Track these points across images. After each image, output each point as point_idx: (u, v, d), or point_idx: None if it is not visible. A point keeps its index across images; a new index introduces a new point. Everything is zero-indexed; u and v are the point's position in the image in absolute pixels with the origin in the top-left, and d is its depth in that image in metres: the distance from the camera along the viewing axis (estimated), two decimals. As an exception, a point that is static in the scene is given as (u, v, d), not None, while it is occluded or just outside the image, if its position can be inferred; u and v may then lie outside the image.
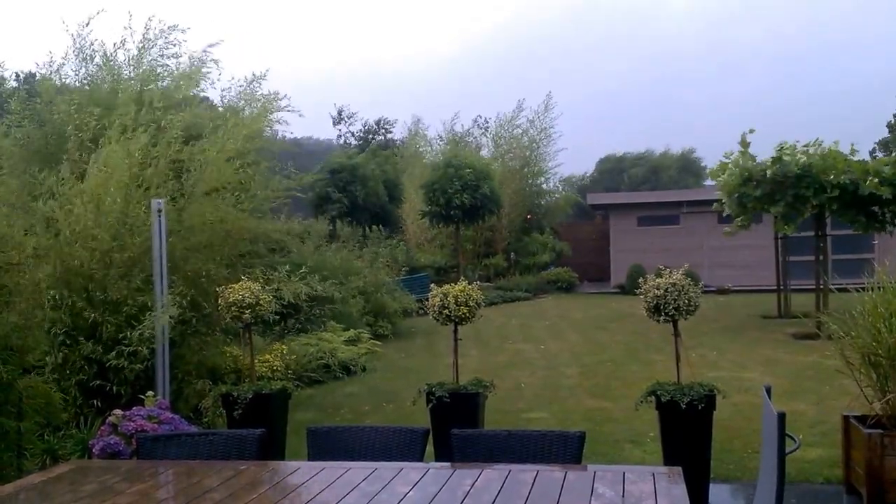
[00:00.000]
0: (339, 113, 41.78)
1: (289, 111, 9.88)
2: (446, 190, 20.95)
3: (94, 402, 6.75)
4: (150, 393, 6.11)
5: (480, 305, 6.41)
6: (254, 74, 9.91)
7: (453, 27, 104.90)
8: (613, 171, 45.50)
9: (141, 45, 9.58)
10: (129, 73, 9.68)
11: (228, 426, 6.54)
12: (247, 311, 6.54)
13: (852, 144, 13.67)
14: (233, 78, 16.02)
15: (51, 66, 9.77)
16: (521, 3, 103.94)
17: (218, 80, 13.97)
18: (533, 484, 3.09)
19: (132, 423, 5.36)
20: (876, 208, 13.25)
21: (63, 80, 9.85)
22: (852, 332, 5.41)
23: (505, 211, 24.95)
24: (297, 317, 11.92)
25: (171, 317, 6.64)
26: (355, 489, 3.11)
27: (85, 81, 9.80)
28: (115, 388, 6.79)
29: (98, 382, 6.82)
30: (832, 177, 12.83)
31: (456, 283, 6.42)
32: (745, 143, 14.02)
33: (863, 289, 5.67)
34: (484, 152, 28.37)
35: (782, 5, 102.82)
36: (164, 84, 9.61)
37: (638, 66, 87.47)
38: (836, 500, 5.64)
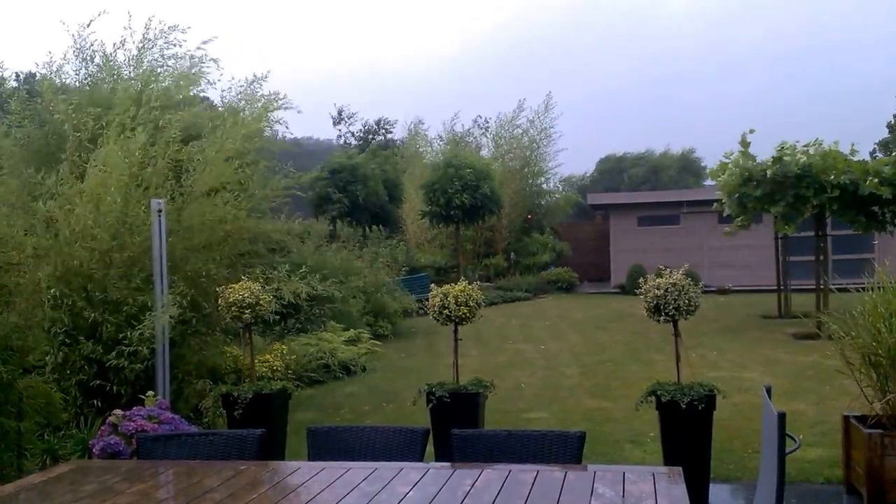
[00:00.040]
0: (339, 113, 41.85)
1: (286, 108, 9.90)
2: (446, 190, 20.95)
3: (95, 402, 6.76)
4: (150, 393, 6.11)
5: (480, 305, 6.41)
6: (255, 76, 9.93)
7: (453, 27, 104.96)
8: (613, 171, 45.53)
9: (141, 46, 9.58)
10: (129, 73, 9.68)
11: (229, 426, 6.54)
12: (247, 311, 6.55)
13: (852, 145, 13.70)
14: (233, 78, 16.03)
15: (50, 66, 9.78)
16: (521, 3, 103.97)
17: (219, 80, 13.95)
18: (533, 484, 3.09)
19: (132, 423, 5.36)
20: (876, 208, 13.25)
21: (63, 81, 9.86)
22: (852, 332, 5.41)
23: (505, 211, 24.95)
24: (297, 316, 11.92)
25: (171, 316, 6.64)
26: (355, 489, 3.11)
27: (85, 82, 9.80)
28: (115, 387, 6.79)
29: (98, 382, 6.82)
30: (832, 177, 12.83)
31: (456, 284, 6.42)
32: (745, 143, 14.02)
33: (863, 289, 5.67)
34: (484, 152, 28.39)
35: (782, 5, 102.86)
36: (165, 84, 9.60)
37: (638, 66, 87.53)
38: (837, 500, 5.64)
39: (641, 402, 5.54)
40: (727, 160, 14.29)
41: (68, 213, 6.98)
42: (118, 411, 5.55)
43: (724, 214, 14.90)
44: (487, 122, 32.32)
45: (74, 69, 9.82)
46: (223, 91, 10.83)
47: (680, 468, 3.26)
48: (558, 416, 8.32)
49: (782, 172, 13.09)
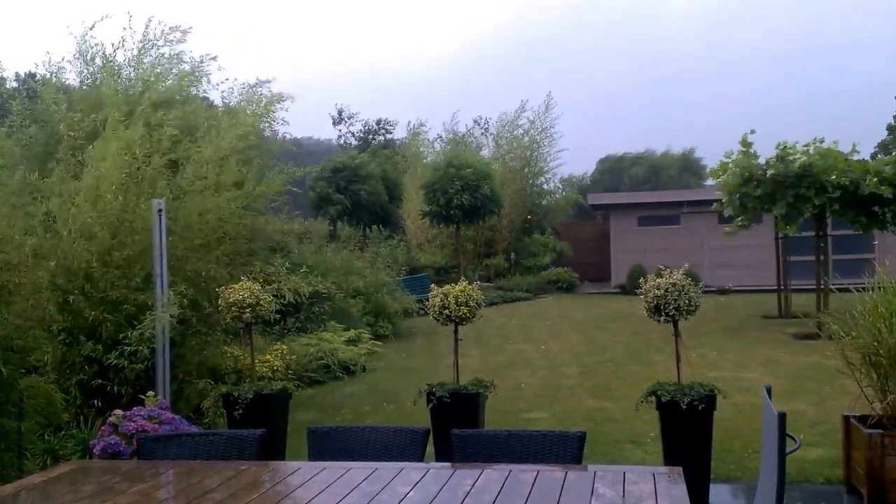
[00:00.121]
0: (340, 113, 41.82)
1: (283, 100, 9.94)
2: (447, 190, 20.95)
3: (95, 402, 6.76)
4: (150, 393, 6.11)
5: (481, 305, 6.41)
6: (258, 79, 10.00)
7: (453, 27, 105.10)
8: (614, 171, 45.56)
9: (141, 46, 9.59)
10: (129, 73, 9.69)
11: (229, 426, 6.53)
12: (247, 311, 6.55)
13: (853, 145, 13.71)
14: (235, 79, 16.03)
15: (50, 66, 9.79)
16: (521, 3, 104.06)
17: (223, 81, 13.98)
18: (533, 484, 3.09)
19: (133, 424, 5.36)
20: (877, 208, 13.25)
21: (63, 81, 9.86)
22: (853, 332, 5.40)
23: (505, 211, 24.95)
24: (298, 315, 11.93)
25: (171, 316, 6.64)
26: (356, 489, 3.11)
27: (86, 83, 9.81)
28: (115, 387, 6.79)
29: (98, 382, 6.82)
30: (833, 177, 12.83)
31: (456, 284, 6.42)
32: (746, 143, 14.02)
33: (863, 289, 5.66)
34: (485, 152, 28.38)
35: (782, 5, 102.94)
36: (165, 85, 9.61)
37: (638, 66, 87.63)
38: (837, 500, 5.64)
39: (642, 402, 5.54)
40: (728, 160, 14.29)
41: (67, 212, 6.98)
42: (118, 411, 5.55)
43: (725, 214, 14.90)
44: (488, 123, 32.36)
45: (77, 70, 9.84)
46: (224, 92, 10.82)
47: (680, 468, 3.26)
48: (559, 416, 8.32)
49: (783, 172, 13.08)
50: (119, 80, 9.44)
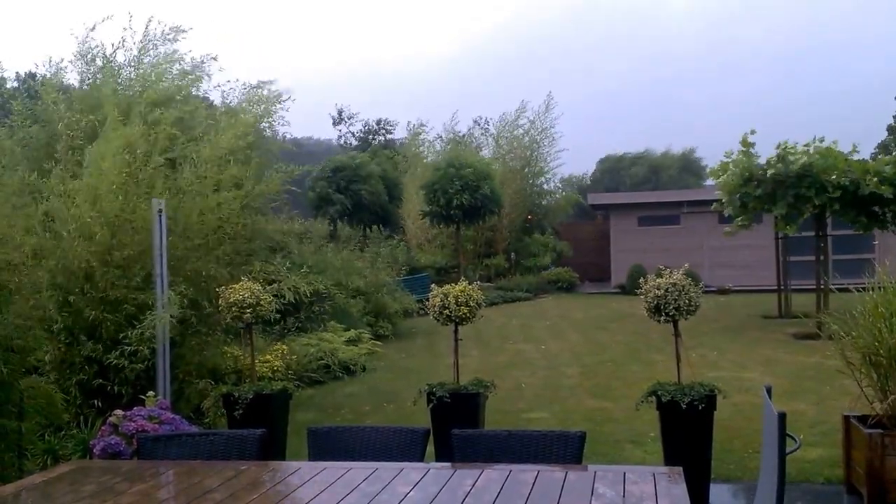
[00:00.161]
0: (340, 113, 41.80)
1: (284, 100, 9.94)
2: (447, 190, 20.95)
3: (95, 402, 6.76)
4: (150, 393, 6.11)
5: (481, 306, 6.41)
6: (259, 81, 10.00)
7: (453, 27, 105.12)
8: (614, 171, 45.53)
9: (141, 46, 9.58)
10: (130, 73, 9.68)
11: (229, 426, 6.53)
12: (247, 312, 6.55)
13: (854, 145, 13.70)
14: (236, 80, 16.03)
15: (50, 66, 9.79)
16: (521, 3, 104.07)
17: (226, 82, 13.98)
18: (533, 484, 3.09)
19: (133, 424, 5.36)
20: (877, 208, 13.25)
21: (64, 82, 9.86)
22: (853, 332, 5.40)
23: (505, 211, 24.95)
24: (298, 315, 11.93)
25: (171, 316, 6.64)
26: (356, 489, 3.11)
27: (87, 83, 9.80)
28: (115, 387, 6.79)
29: (99, 382, 6.82)
30: (833, 177, 12.83)
31: (456, 284, 6.42)
32: (746, 143, 14.01)
33: (863, 289, 5.66)
34: (485, 152, 28.39)
35: (782, 5, 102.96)
36: (165, 85, 9.61)
37: (638, 66, 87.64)
38: (837, 500, 5.64)
39: (642, 402, 5.55)
40: (728, 160, 14.29)
41: (67, 212, 6.98)
42: (119, 411, 5.55)
43: (725, 214, 14.90)
44: (488, 123, 32.35)
45: (78, 70, 9.83)
46: (224, 92, 10.81)
47: (680, 468, 3.26)
48: (559, 416, 8.32)
49: (783, 172, 13.08)
50: (119, 81, 9.43)
